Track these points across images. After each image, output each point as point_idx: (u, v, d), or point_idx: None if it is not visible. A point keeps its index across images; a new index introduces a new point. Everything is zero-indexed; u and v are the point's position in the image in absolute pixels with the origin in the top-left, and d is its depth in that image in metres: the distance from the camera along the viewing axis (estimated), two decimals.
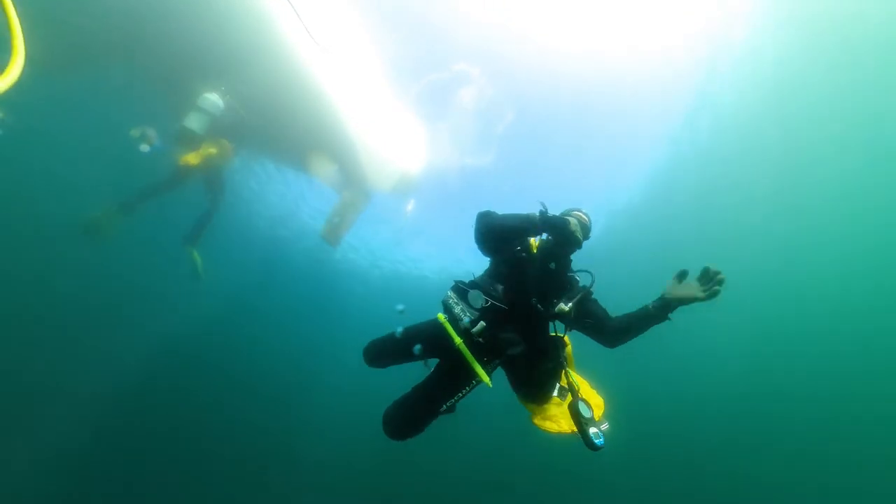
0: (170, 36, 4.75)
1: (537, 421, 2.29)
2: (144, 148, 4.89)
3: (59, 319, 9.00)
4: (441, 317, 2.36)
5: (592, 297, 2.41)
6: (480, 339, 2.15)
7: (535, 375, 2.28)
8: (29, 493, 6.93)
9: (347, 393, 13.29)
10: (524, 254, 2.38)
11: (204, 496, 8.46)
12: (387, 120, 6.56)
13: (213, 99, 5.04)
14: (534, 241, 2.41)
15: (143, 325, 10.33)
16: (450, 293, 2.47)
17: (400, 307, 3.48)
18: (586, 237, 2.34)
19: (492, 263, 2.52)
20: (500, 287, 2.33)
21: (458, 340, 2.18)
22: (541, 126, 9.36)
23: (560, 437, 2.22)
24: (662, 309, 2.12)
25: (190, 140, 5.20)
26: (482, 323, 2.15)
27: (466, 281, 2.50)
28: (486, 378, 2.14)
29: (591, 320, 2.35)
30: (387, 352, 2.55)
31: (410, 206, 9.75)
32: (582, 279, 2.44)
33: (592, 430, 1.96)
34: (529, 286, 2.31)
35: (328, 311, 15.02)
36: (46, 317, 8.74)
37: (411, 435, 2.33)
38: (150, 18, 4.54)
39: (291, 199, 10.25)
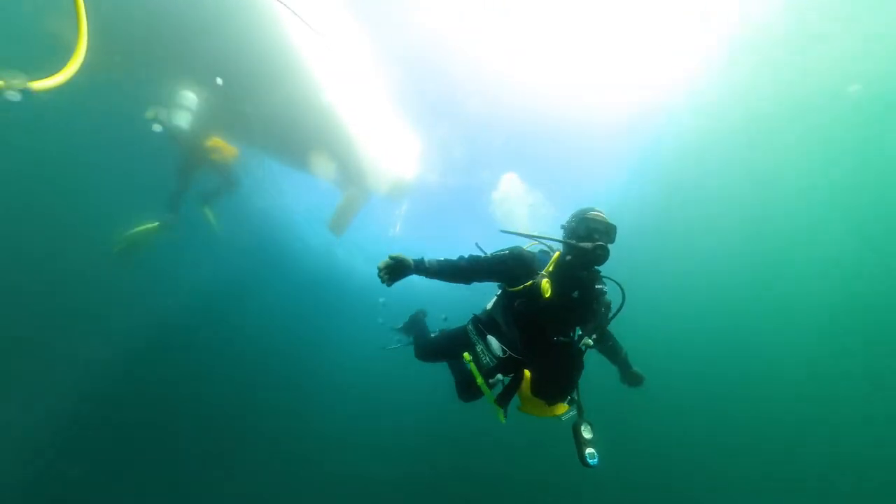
0: (188, 39, 4.99)
1: (526, 410, 2.31)
2: (157, 128, 5.16)
3: (60, 306, 9.08)
4: (467, 356, 2.35)
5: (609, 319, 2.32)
6: (501, 384, 2.23)
7: (554, 387, 2.24)
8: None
9: (343, 383, 13.43)
10: (538, 301, 2.12)
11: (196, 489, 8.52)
12: (387, 131, 7.20)
13: (189, 95, 5.29)
14: (545, 284, 2.10)
15: (141, 319, 10.37)
16: (471, 327, 2.50)
17: (382, 299, 3.88)
18: (610, 240, 2.14)
19: (508, 303, 2.33)
20: (517, 334, 2.25)
21: (479, 380, 2.24)
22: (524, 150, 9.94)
23: (543, 420, 2.30)
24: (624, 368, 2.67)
25: (178, 136, 5.43)
26: (499, 376, 2.21)
27: (483, 316, 2.52)
28: (502, 419, 2.24)
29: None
30: (435, 356, 3.00)
31: (404, 208, 10.48)
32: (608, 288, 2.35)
33: (589, 451, 2.05)
34: (550, 328, 2.19)
35: (326, 304, 15.23)
36: (49, 302, 8.84)
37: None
38: (163, 20, 4.76)
39: (293, 198, 10.64)
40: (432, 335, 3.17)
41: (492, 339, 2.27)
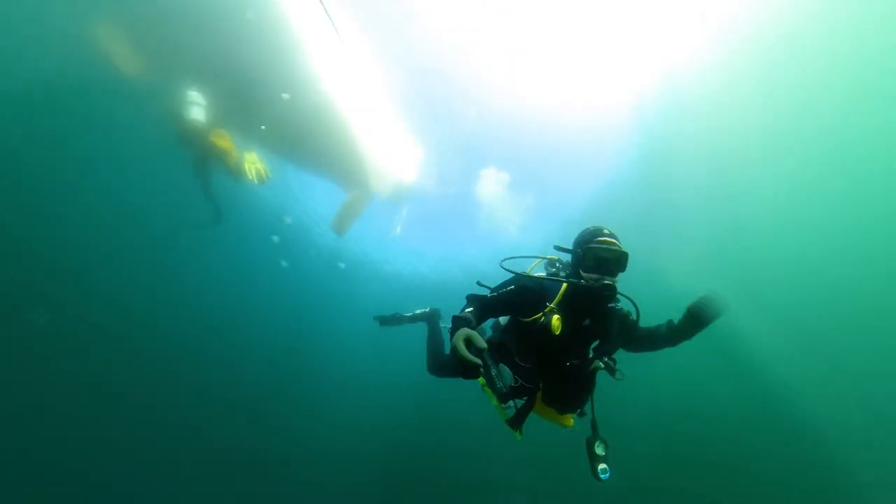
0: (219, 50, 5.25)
1: (535, 411, 2.32)
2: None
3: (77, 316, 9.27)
4: (481, 381, 2.38)
5: (637, 324, 2.23)
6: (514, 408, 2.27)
7: (564, 400, 2.24)
8: None
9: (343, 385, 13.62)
10: (549, 335, 1.97)
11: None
12: (390, 136, 7.48)
13: (197, 94, 5.54)
14: (556, 322, 1.96)
15: (148, 322, 10.69)
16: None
17: (342, 264, 4.00)
18: (621, 269, 1.99)
19: (520, 333, 2.24)
20: (530, 363, 2.20)
21: (494, 402, 2.32)
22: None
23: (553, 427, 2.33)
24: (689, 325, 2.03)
25: (194, 130, 5.67)
26: (512, 403, 2.26)
27: (495, 339, 2.51)
28: (518, 437, 2.26)
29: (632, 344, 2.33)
30: (448, 373, 2.95)
31: (405, 211, 10.88)
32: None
33: (601, 466, 2.08)
34: (562, 356, 2.13)
35: (330, 305, 15.44)
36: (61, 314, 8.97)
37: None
38: (175, 21, 4.95)
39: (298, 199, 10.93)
40: (447, 352, 3.18)
41: (504, 368, 2.30)
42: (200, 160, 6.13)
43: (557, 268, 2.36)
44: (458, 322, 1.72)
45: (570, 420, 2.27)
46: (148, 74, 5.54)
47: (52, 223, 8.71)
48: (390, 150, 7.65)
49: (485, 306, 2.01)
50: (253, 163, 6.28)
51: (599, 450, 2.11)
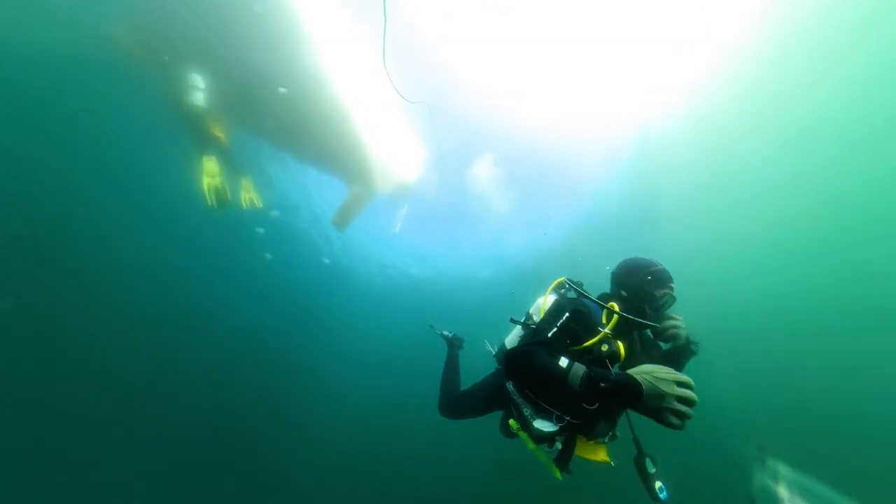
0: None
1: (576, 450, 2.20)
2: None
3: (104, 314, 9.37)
4: (513, 424, 2.20)
5: (657, 343, 2.29)
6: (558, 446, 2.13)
7: (595, 426, 2.13)
8: None
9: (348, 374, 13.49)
10: (613, 363, 1.86)
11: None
12: (392, 136, 7.48)
13: (198, 77, 5.48)
14: (622, 347, 1.88)
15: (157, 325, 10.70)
16: (512, 387, 2.28)
17: (326, 260, 3.90)
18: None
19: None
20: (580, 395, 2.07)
21: (531, 446, 2.15)
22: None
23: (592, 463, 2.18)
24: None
25: (197, 115, 5.61)
26: (558, 444, 2.10)
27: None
28: (559, 475, 2.11)
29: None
30: (466, 414, 2.87)
31: (405, 209, 10.86)
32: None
33: (658, 485, 1.97)
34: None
35: (332, 308, 15.35)
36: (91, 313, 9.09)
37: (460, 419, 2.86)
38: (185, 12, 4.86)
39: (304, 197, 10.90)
40: (463, 388, 3.01)
41: (541, 404, 2.11)
42: (206, 147, 6.12)
43: (566, 289, 2.37)
44: (594, 376, 1.48)
45: (606, 455, 2.14)
46: (153, 58, 5.52)
47: (51, 218, 8.66)
48: (394, 148, 7.64)
49: (552, 342, 1.90)
50: (248, 190, 6.33)
51: (650, 467, 2.03)
